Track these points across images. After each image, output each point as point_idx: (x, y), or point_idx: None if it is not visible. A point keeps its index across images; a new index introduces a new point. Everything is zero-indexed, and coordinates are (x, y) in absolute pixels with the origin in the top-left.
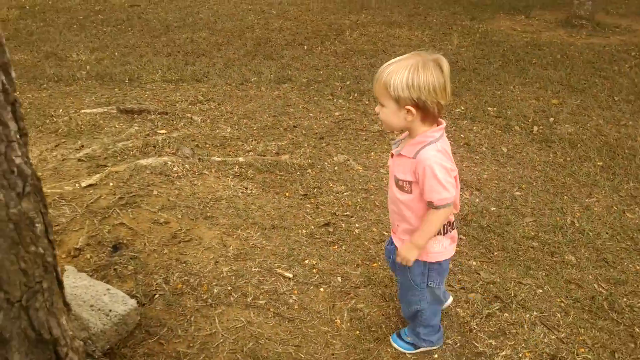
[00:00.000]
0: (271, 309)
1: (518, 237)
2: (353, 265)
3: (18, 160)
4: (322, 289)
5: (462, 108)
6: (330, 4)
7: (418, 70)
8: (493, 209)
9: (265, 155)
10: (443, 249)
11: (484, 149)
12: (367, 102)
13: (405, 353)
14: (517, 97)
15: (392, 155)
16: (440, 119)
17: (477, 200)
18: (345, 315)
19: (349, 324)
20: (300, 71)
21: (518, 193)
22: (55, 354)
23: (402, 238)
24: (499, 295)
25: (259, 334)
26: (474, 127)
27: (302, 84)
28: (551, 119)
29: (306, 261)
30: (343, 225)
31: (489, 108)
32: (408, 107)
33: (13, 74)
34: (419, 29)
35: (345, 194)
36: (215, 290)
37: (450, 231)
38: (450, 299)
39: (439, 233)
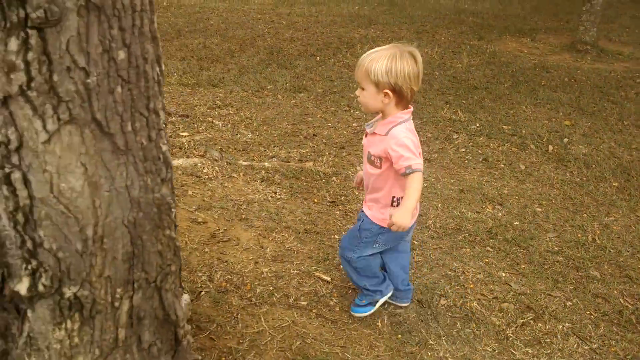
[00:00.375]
0: (313, 310)
1: (543, 251)
2: None
3: (164, 148)
4: None
5: (478, 125)
6: (338, 18)
7: (396, 59)
8: (516, 223)
9: (289, 162)
10: None
11: (502, 165)
12: None
13: (365, 315)
14: (529, 116)
15: (367, 134)
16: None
17: (500, 214)
18: (385, 319)
19: (389, 328)
20: (314, 81)
21: (539, 209)
22: (174, 335)
23: (368, 205)
24: (531, 306)
25: (304, 334)
26: (491, 144)
27: (318, 94)
28: (565, 140)
29: (342, 266)
30: None
31: (504, 126)
32: (386, 90)
33: (163, 67)
34: (429, 46)
35: None
36: (258, 290)
37: None
38: (404, 304)
39: (398, 205)
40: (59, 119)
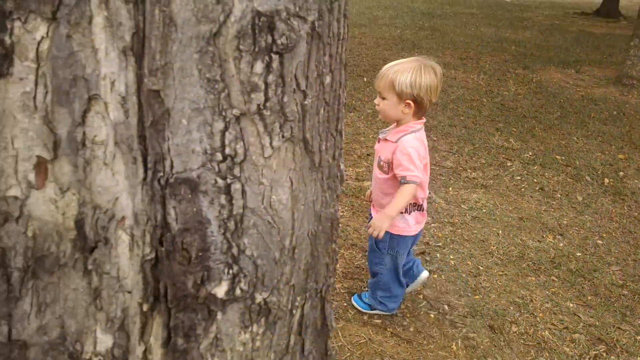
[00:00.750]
0: (388, 329)
1: (608, 284)
2: (456, 295)
3: (342, 167)
4: (432, 315)
5: (531, 153)
6: (382, 40)
7: (420, 72)
8: (579, 254)
9: (346, 180)
10: (407, 225)
11: (559, 195)
12: (434, 139)
13: (357, 307)
14: (582, 148)
15: (379, 140)
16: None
17: (561, 244)
18: (459, 342)
19: (464, 351)
20: (363, 102)
21: (600, 242)
22: (325, 345)
23: (377, 209)
24: (602, 338)
25: (382, 352)
26: (546, 174)
27: (368, 115)
28: (620, 173)
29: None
30: (438, 255)
31: (557, 156)
32: (408, 101)
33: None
34: (474, 72)
35: (433, 225)
36: (334, 305)
37: (415, 211)
38: (425, 274)
39: (405, 211)
40: (282, 137)
